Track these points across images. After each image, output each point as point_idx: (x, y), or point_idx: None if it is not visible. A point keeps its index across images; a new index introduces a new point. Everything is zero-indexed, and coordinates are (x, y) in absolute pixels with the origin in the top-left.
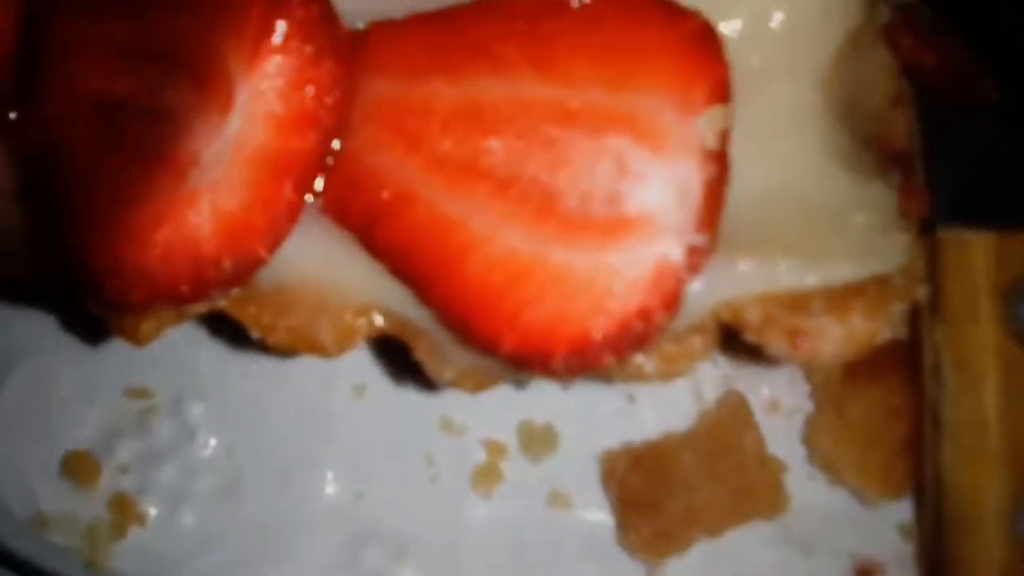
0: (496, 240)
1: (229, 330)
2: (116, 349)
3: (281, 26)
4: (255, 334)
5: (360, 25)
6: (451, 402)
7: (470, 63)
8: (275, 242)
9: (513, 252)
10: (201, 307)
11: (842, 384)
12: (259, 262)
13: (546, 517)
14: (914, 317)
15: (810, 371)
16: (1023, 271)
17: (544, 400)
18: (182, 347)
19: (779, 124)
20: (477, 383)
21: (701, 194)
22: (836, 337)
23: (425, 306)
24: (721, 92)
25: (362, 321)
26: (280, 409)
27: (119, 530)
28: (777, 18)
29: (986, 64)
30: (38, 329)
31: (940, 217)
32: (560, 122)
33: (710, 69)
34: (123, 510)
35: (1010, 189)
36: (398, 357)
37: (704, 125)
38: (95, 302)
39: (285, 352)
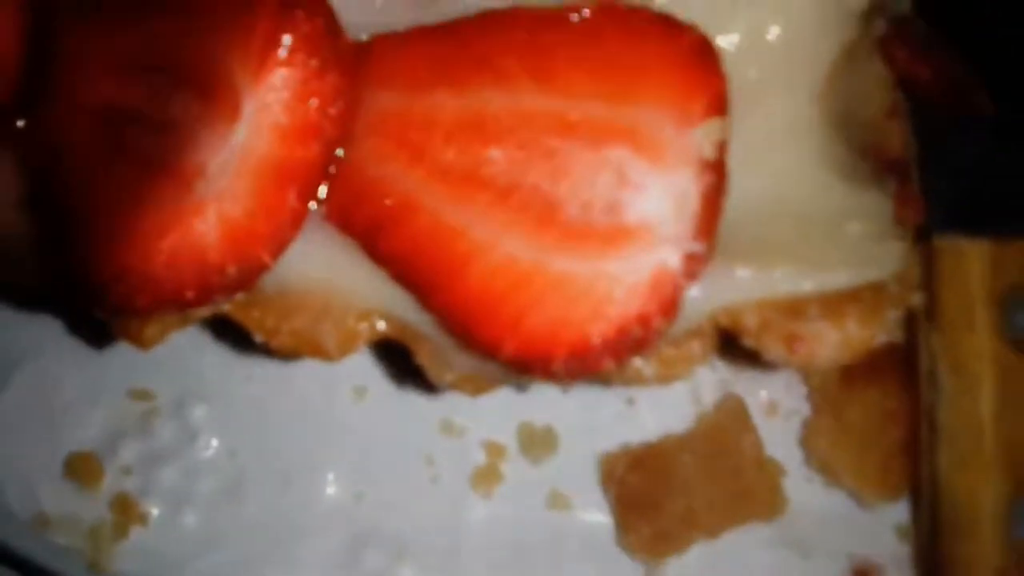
0: (497, 248)
1: (232, 333)
2: (120, 352)
3: (287, 39)
4: (259, 338)
5: (364, 37)
6: (451, 404)
7: (472, 75)
8: (279, 248)
9: (514, 260)
10: (205, 311)
11: (839, 387)
12: (263, 268)
13: (546, 518)
14: (910, 322)
15: (807, 375)
16: (1018, 279)
17: (544, 402)
18: (185, 350)
19: (776, 135)
20: (477, 386)
21: (699, 203)
22: (832, 342)
23: (427, 312)
24: (719, 104)
25: (364, 325)
26: (282, 411)
27: (121, 530)
28: (774, 31)
29: (981, 77)
30: (42, 331)
31: (936, 226)
32: (560, 133)
33: (708, 82)
34: (125, 511)
35: (1006, 199)
36: (399, 360)
37: (702, 136)
38: (101, 307)
39: (288, 355)
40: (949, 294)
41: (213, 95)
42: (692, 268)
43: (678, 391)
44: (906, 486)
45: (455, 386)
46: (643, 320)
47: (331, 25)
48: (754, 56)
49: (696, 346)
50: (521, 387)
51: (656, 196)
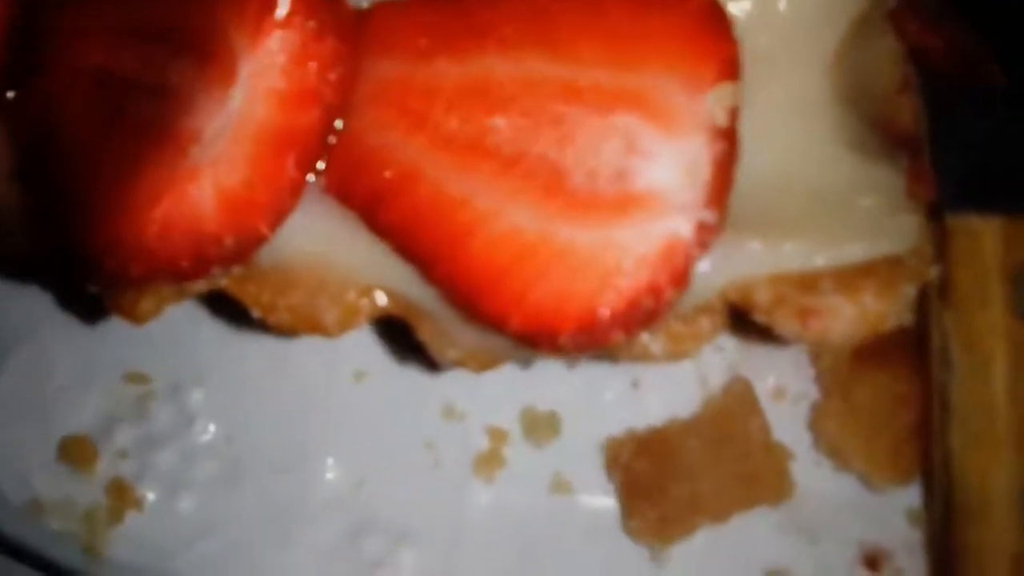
0: (501, 218)
1: (229, 316)
2: (115, 334)
3: (284, 1)
4: (256, 313)
5: (364, 5)
6: (453, 388)
7: (475, 43)
8: (277, 219)
9: (519, 230)
10: (202, 285)
11: (849, 370)
12: (261, 239)
13: (549, 503)
14: (920, 303)
15: (816, 357)
16: None
17: (547, 386)
18: (182, 332)
19: (786, 107)
20: (482, 363)
21: (711, 171)
22: (848, 316)
23: (430, 284)
24: (730, 69)
25: (365, 301)
26: (280, 395)
27: (117, 515)
28: (785, 1)
29: (992, 48)
30: (36, 313)
31: (947, 202)
32: (567, 100)
33: (718, 46)
34: (121, 495)
35: (1017, 173)
36: (400, 339)
37: (713, 102)
38: (94, 278)
39: (286, 332)
40: (962, 271)
41: (208, 58)
42: (703, 238)
43: (684, 374)
44: (917, 470)
45: (458, 363)
46: (653, 291)
47: None
48: (765, 25)
49: (705, 322)
50: (526, 363)
51: (666, 163)
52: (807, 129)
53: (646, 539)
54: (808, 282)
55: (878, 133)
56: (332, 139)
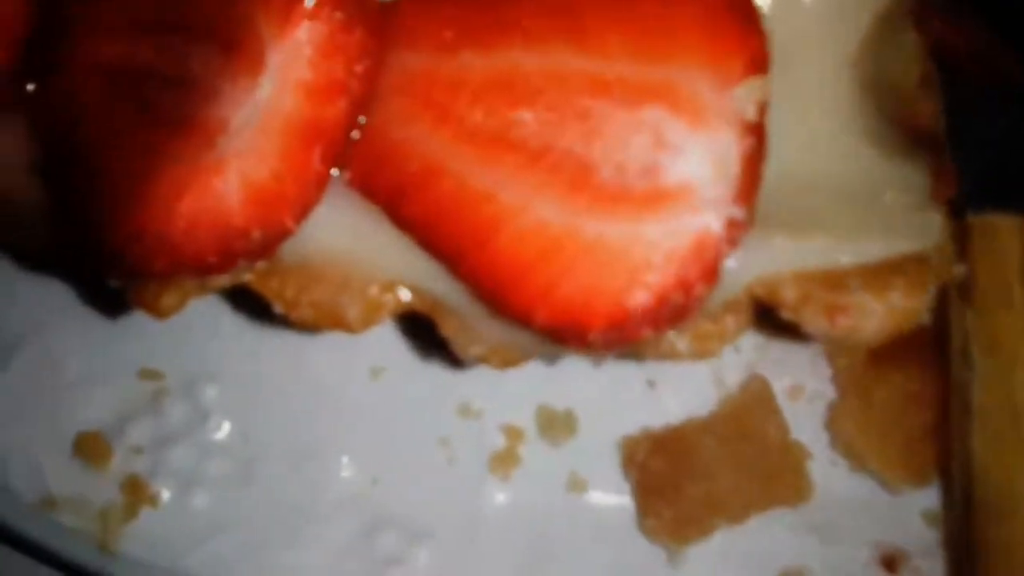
0: (528, 212)
1: (245, 312)
2: (129, 329)
3: None
4: (278, 309)
5: None
6: (469, 386)
7: (501, 35)
8: (303, 213)
9: (545, 224)
10: (225, 279)
11: (865, 370)
12: (286, 233)
13: (565, 502)
14: (938, 303)
15: (833, 356)
16: None
17: (563, 385)
18: (196, 329)
19: (811, 101)
20: (505, 359)
21: (740, 166)
22: (876, 314)
23: (455, 279)
24: (760, 63)
25: (388, 296)
26: (295, 392)
27: (131, 512)
28: None
29: (1013, 47)
30: (49, 307)
31: (968, 201)
32: (594, 94)
33: (747, 39)
34: (136, 492)
35: None
36: (417, 336)
37: (743, 96)
38: (117, 271)
39: (308, 328)
40: (984, 271)
41: (235, 48)
42: (733, 234)
43: (700, 373)
44: (934, 471)
45: (482, 359)
46: (684, 287)
47: None
48: (789, 18)
49: (731, 321)
50: (551, 360)
51: (696, 158)
52: (830, 124)
53: (662, 539)
54: (834, 279)
55: (899, 129)
56: (355, 133)
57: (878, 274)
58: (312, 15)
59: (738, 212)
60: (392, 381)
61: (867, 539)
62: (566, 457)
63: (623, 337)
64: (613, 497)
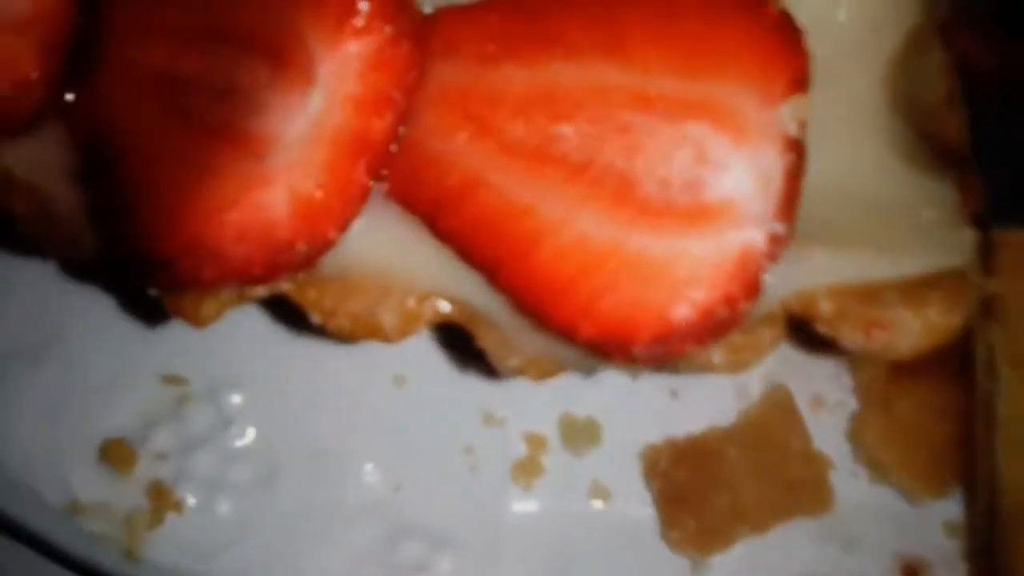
0: (569, 226)
1: (269, 318)
2: (153, 335)
3: (364, 5)
4: (315, 319)
5: (428, 10)
6: (492, 395)
7: (542, 49)
8: (345, 225)
9: (587, 238)
10: (265, 290)
11: (888, 381)
12: (329, 245)
13: (587, 511)
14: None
15: (856, 368)
16: None
17: (586, 394)
18: (220, 335)
19: (844, 116)
20: (543, 371)
21: (782, 182)
22: (913, 329)
23: (496, 291)
24: (803, 81)
25: (426, 307)
26: (319, 399)
27: (157, 518)
28: (844, 11)
29: None
30: (74, 314)
31: (994, 216)
32: (636, 109)
33: (792, 58)
34: (161, 498)
35: None
36: (443, 344)
37: (787, 114)
38: (162, 281)
39: (345, 338)
40: (1008, 285)
41: (285, 61)
42: (774, 249)
43: (722, 383)
44: (955, 482)
45: (519, 371)
46: (728, 301)
47: None
48: (824, 34)
49: (766, 334)
50: (589, 373)
51: (740, 174)
52: (863, 140)
53: (685, 549)
54: (871, 294)
55: (928, 145)
56: (394, 145)
57: (914, 289)
58: (363, 30)
59: (779, 227)
60: (415, 389)
61: (888, 549)
62: (589, 466)
63: (667, 352)
64: (635, 506)
